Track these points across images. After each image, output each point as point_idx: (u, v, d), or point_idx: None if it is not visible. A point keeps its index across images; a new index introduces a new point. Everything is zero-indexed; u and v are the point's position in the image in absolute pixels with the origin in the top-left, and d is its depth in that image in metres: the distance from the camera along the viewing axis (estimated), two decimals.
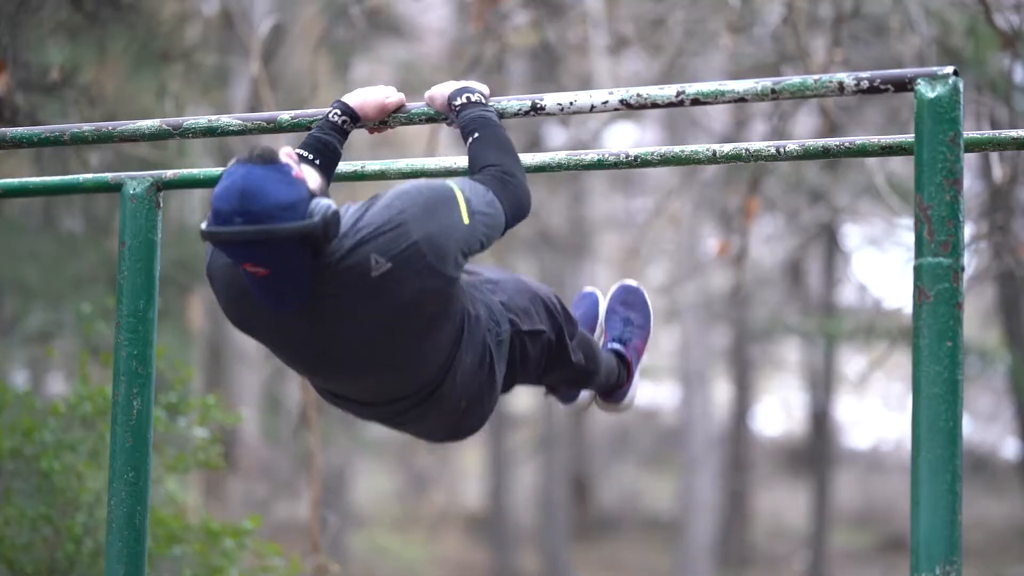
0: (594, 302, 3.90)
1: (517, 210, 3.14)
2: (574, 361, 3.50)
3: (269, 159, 2.88)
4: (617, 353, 3.78)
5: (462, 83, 3.27)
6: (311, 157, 3.17)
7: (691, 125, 14.04)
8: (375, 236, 2.92)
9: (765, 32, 9.65)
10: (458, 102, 3.21)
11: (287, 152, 2.94)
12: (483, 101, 3.22)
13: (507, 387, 3.40)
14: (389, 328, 2.98)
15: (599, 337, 3.86)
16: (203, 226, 2.88)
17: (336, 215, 2.89)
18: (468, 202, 3.01)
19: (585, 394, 3.83)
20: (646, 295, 3.89)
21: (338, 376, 3.13)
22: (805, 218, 13.31)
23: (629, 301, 3.87)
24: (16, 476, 6.03)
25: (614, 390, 3.78)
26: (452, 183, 3.04)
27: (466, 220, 2.99)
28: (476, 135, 3.17)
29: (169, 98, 8.26)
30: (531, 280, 3.44)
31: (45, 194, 3.83)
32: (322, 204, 2.88)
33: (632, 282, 3.90)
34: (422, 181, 3.04)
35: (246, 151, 2.93)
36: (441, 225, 2.95)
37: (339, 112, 3.24)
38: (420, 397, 3.17)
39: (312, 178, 2.94)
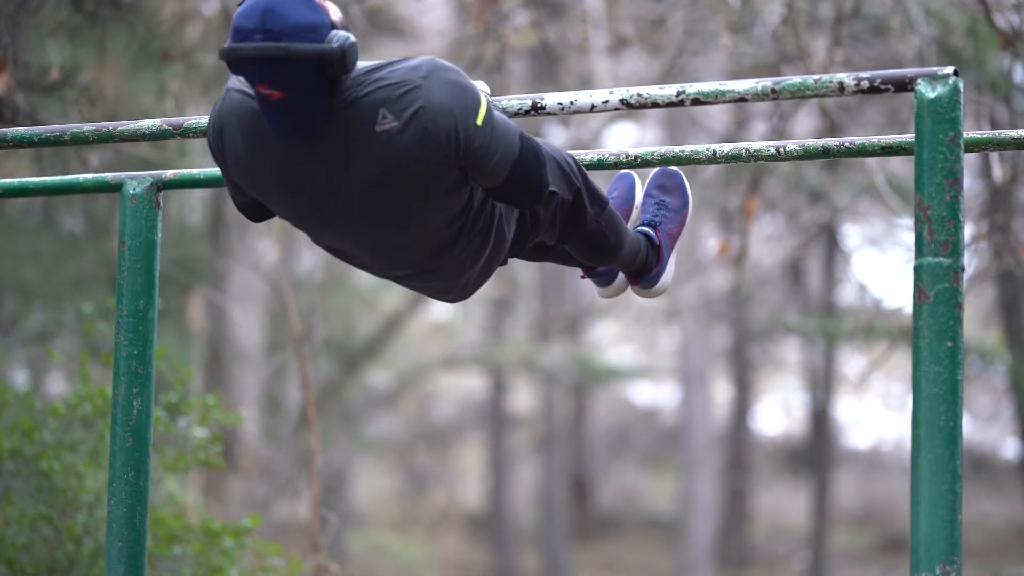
0: (630, 185, 3.85)
1: (535, 163, 3.08)
2: (591, 228, 3.43)
3: None
4: (647, 236, 3.73)
5: None
6: None
7: (691, 125, 14.04)
8: (390, 89, 2.92)
9: (765, 32, 9.65)
10: None
11: None
12: (489, 95, 3.23)
13: (518, 249, 3.38)
14: (387, 182, 2.96)
15: (635, 221, 3.80)
16: (224, 46, 2.90)
17: (355, 46, 2.89)
18: (489, 113, 2.99)
19: (620, 277, 3.77)
20: (684, 180, 3.82)
21: (342, 230, 3.10)
22: (805, 218, 13.31)
23: (666, 185, 3.81)
24: (16, 476, 6.03)
25: (643, 272, 3.73)
26: (480, 92, 3.01)
27: (479, 122, 2.96)
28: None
29: (169, 98, 8.26)
30: (545, 142, 3.36)
31: (45, 194, 3.83)
32: (341, 34, 2.89)
33: (672, 167, 3.83)
34: (453, 69, 3.00)
35: None
36: (456, 107, 2.93)
37: None
38: (427, 264, 3.17)
39: (334, 11, 2.95)
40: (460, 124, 2.93)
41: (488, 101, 3.02)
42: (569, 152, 3.43)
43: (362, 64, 3.00)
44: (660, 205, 3.80)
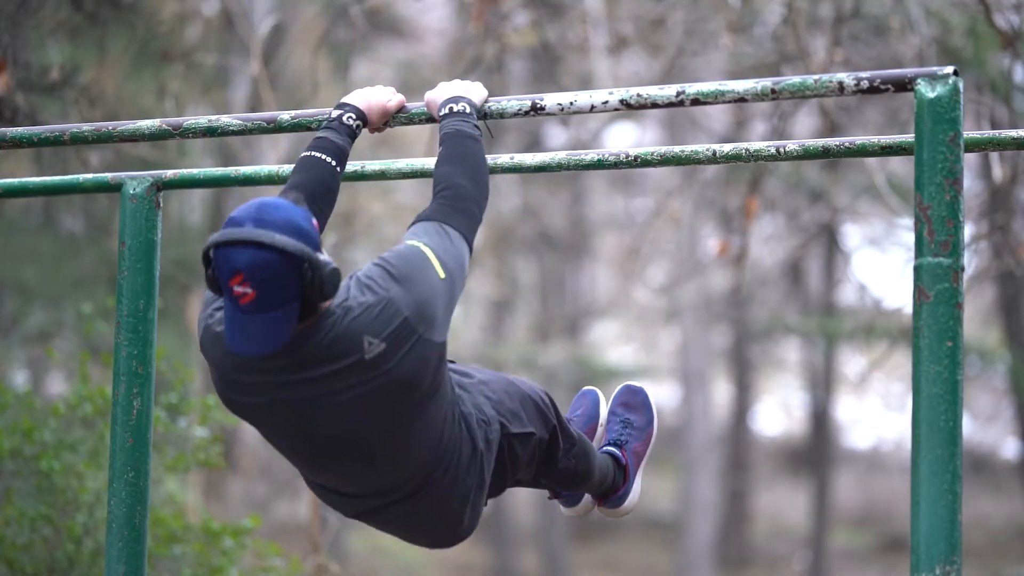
0: (594, 401, 3.85)
1: (474, 222, 3.13)
2: (563, 464, 3.46)
3: (292, 200, 2.91)
4: (613, 456, 3.73)
5: (456, 90, 3.28)
6: (333, 163, 3.20)
7: (691, 125, 14.03)
8: (364, 316, 2.90)
9: (765, 32, 9.65)
10: (442, 112, 3.24)
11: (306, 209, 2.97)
12: (465, 110, 3.22)
13: (498, 490, 3.36)
14: (381, 407, 2.96)
15: (600, 439, 3.81)
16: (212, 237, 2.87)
17: (337, 273, 2.87)
18: (438, 255, 3.01)
19: (587, 498, 3.78)
20: (649, 397, 3.83)
21: (328, 461, 3.08)
22: (805, 218, 13.32)
23: (630, 403, 3.82)
24: (16, 476, 6.04)
25: (611, 493, 3.74)
26: (417, 243, 3.02)
27: (442, 275, 2.98)
28: (440, 149, 3.20)
29: (169, 98, 8.26)
30: (522, 380, 3.41)
31: (45, 194, 3.83)
32: (326, 258, 2.87)
33: (635, 384, 3.85)
34: (392, 253, 3.01)
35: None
36: (424, 292, 2.94)
37: (354, 116, 3.26)
38: (409, 489, 3.13)
39: (323, 246, 2.96)
40: (438, 302, 2.94)
41: (429, 244, 3.01)
42: (542, 388, 3.45)
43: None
44: (625, 423, 3.80)
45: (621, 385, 3.86)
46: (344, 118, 3.24)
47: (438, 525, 3.23)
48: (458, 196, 3.13)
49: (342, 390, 2.92)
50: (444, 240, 3.05)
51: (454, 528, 3.24)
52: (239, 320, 2.82)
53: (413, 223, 3.10)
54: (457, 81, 3.33)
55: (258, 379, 2.94)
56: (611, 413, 3.82)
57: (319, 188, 3.18)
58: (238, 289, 2.80)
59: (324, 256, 2.86)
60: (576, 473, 3.52)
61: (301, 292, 2.82)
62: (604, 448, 3.75)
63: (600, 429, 3.81)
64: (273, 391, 2.94)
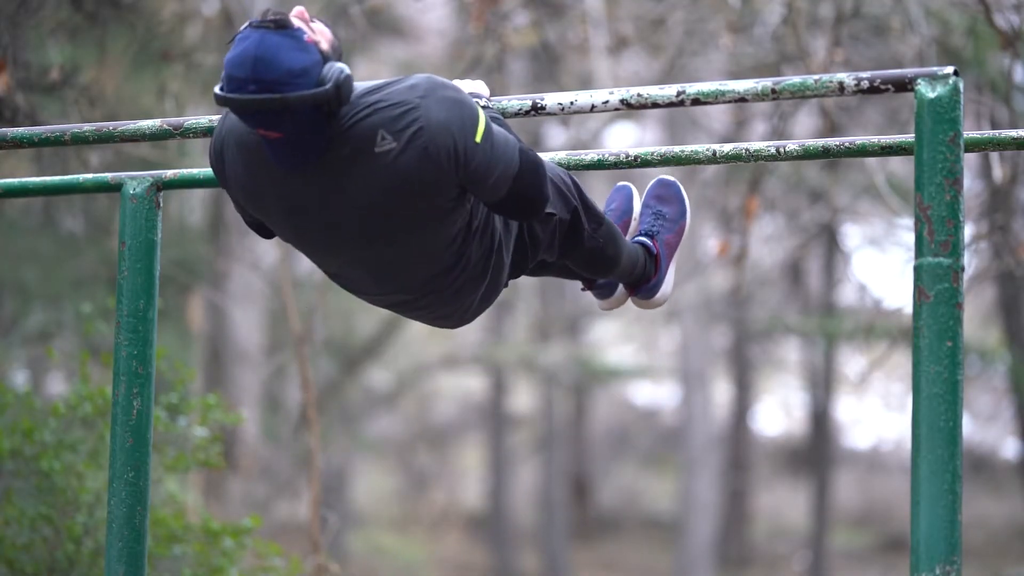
0: (628, 196, 3.85)
1: (534, 177, 3.08)
2: (589, 245, 3.44)
3: (282, 24, 2.89)
4: (644, 246, 3.73)
5: (467, 88, 3.28)
6: None
7: (691, 125, 14.04)
8: (388, 110, 2.92)
9: (765, 32, 9.64)
10: None
11: (299, 12, 2.95)
12: (489, 105, 3.22)
13: (519, 271, 3.38)
14: (388, 201, 2.97)
15: (633, 232, 3.80)
16: (216, 90, 2.90)
17: (349, 79, 2.89)
18: (487, 128, 2.99)
19: (620, 289, 3.77)
20: (682, 189, 3.82)
21: (342, 251, 3.10)
22: (805, 218, 13.32)
23: (663, 195, 3.81)
24: (16, 476, 6.03)
25: (642, 283, 3.73)
26: (479, 107, 3.01)
27: (478, 139, 2.96)
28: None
29: (169, 98, 8.26)
30: (542, 159, 3.34)
31: (45, 194, 3.83)
32: (335, 68, 2.88)
33: (668, 177, 3.84)
34: (451, 85, 3.00)
35: (259, 14, 2.94)
36: (454, 122, 2.93)
37: None
38: (428, 286, 3.16)
39: (324, 38, 2.94)
40: (459, 142, 2.93)
41: (487, 117, 3.02)
42: (565, 170, 3.43)
43: (360, 85, 3.00)
44: (657, 215, 3.80)
45: (654, 179, 3.85)
46: None
47: (456, 315, 3.29)
48: (530, 156, 3.12)
49: (350, 179, 2.95)
50: (503, 136, 3.04)
51: (472, 313, 3.30)
52: (272, 146, 2.93)
53: None
54: (460, 80, 3.33)
55: (284, 175, 2.99)
56: (644, 206, 3.82)
57: None
58: (265, 133, 2.90)
59: (333, 68, 2.88)
60: (604, 254, 3.50)
61: (324, 117, 2.90)
62: (636, 239, 3.75)
63: (634, 223, 3.82)
64: (294, 179, 2.99)
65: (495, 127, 3.04)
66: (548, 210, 3.29)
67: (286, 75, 2.85)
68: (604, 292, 3.80)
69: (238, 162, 3.04)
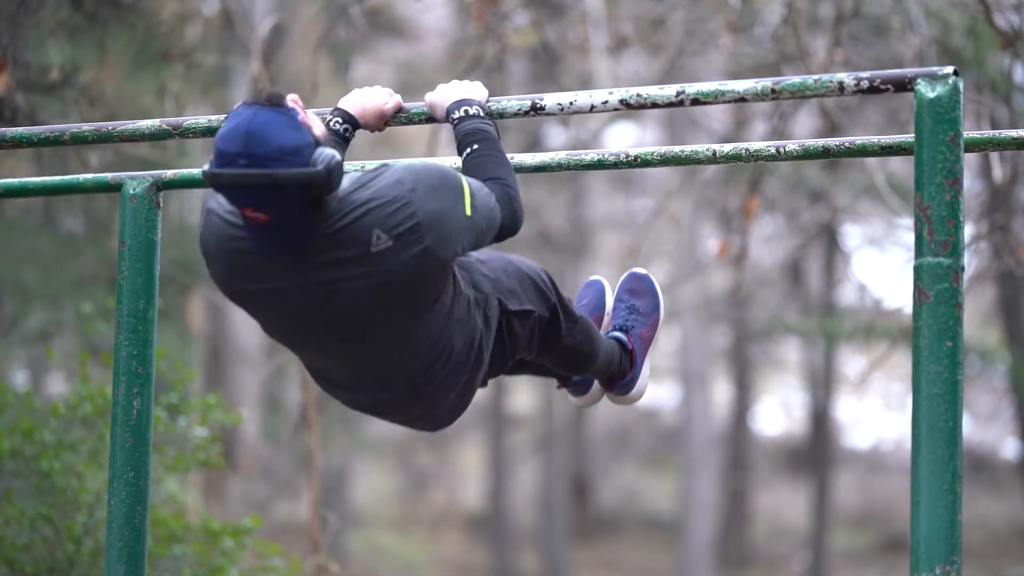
0: (600, 291, 3.85)
1: (512, 224, 3.15)
2: (567, 342, 3.45)
3: (276, 102, 2.88)
4: (619, 341, 3.73)
5: (461, 93, 3.26)
6: None
7: (691, 125, 14.04)
8: (380, 209, 2.91)
9: (765, 32, 9.65)
10: (456, 115, 3.22)
11: (293, 98, 2.94)
12: (480, 114, 3.22)
13: (497, 370, 3.37)
14: (379, 302, 2.97)
15: (607, 327, 3.80)
16: (206, 167, 2.87)
17: (340, 165, 2.88)
18: (473, 197, 3.01)
19: (596, 385, 3.78)
20: (654, 282, 3.82)
21: (326, 349, 3.10)
22: (805, 218, 13.32)
23: (636, 289, 3.81)
24: (16, 476, 6.03)
25: (618, 378, 3.73)
26: (462, 175, 3.03)
27: (468, 212, 2.99)
28: (475, 147, 3.18)
29: (169, 98, 8.26)
30: (520, 258, 3.40)
31: (45, 194, 3.83)
32: (326, 153, 2.87)
33: (640, 270, 3.85)
34: (433, 163, 3.02)
35: (253, 94, 2.93)
36: (446, 211, 2.94)
37: (340, 120, 3.25)
38: (410, 384, 3.15)
39: (317, 125, 2.94)
40: (455, 230, 2.95)
41: (469, 183, 3.03)
42: (541, 266, 3.45)
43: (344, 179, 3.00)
44: (631, 309, 3.79)
45: (626, 272, 3.86)
46: (331, 123, 3.24)
47: (434, 415, 3.26)
48: (512, 192, 3.15)
49: (345, 279, 2.94)
50: (485, 198, 3.07)
51: (450, 413, 3.28)
52: (257, 231, 2.91)
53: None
54: (456, 82, 3.32)
55: (267, 265, 2.97)
56: (617, 300, 3.82)
57: None
58: (251, 214, 2.88)
59: (323, 152, 2.87)
60: (581, 351, 3.51)
61: (311, 200, 2.88)
62: (610, 334, 3.75)
63: (606, 318, 3.82)
64: (280, 277, 2.97)
65: (477, 188, 3.05)
66: (527, 307, 3.32)
67: (277, 151, 2.83)
68: (579, 389, 3.81)
69: (220, 265, 3.03)
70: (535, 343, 3.40)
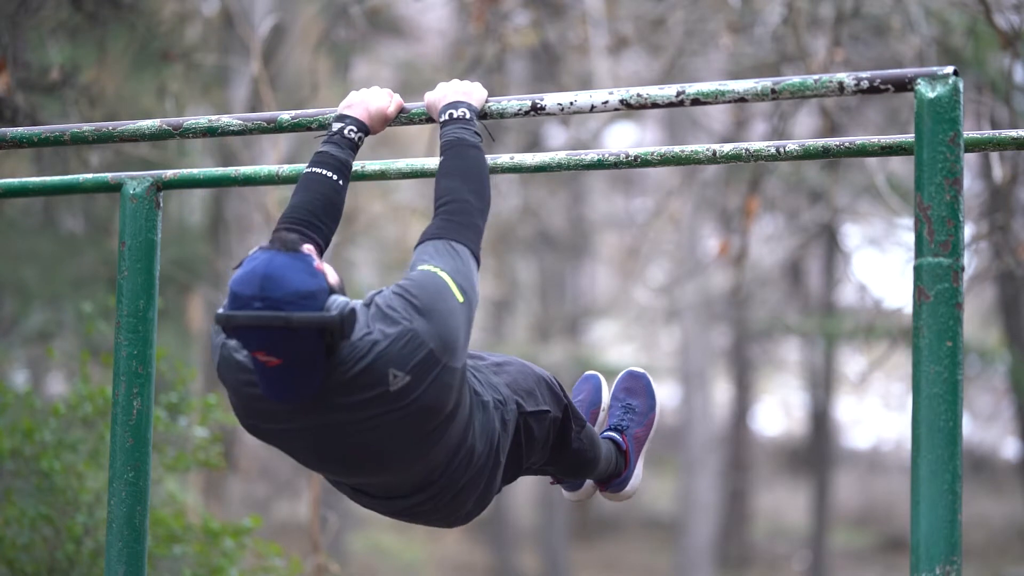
0: (597, 386, 3.87)
1: (479, 236, 3.15)
2: (574, 447, 3.48)
3: (292, 248, 2.88)
4: (614, 441, 3.75)
5: (456, 93, 3.27)
6: (336, 178, 3.19)
7: (691, 125, 14.04)
8: (389, 349, 2.91)
9: (765, 32, 9.64)
10: (442, 118, 3.23)
11: (309, 247, 2.94)
12: (466, 116, 3.21)
13: (513, 474, 3.38)
14: (403, 431, 2.99)
15: (601, 424, 3.83)
16: (220, 310, 2.87)
17: (353, 313, 2.89)
18: (454, 279, 3.02)
19: (588, 482, 3.80)
20: (651, 381, 3.85)
21: (352, 475, 3.13)
22: (805, 218, 13.32)
23: (632, 388, 3.84)
24: (16, 476, 6.04)
25: (613, 478, 3.75)
26: (433, 267, 3.03)
27: (460, 299, 2.99)
28: (441, 159, 3.19)
29: (169, 98, 8.26)
30: (532, 364, 3.43)
31: (45, 194, 3.83)
32: (340, 300, 2.88)
33: (638, 369, 3.87)
34: (412, 282, 3.00)
35: (269, 239, 2.93)
36: (446, 320, 2.95)
37: (355, 128, 3.25)
38: (431, 492, 3.17)
39: (331, 273, 2.95)
40: (458, 329, 2.96)
41: (445, 268, 3.02)
42: (550, 373, 3.47)
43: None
44: (627, 408, 3.81)
45: (624, 370, 3.87)
46: (346, 131, 3.23)
47: (452, 514, 3.27)
48: (463, 210, 3.13)
49: (366, 419, 2.95)
50: (456, 260, 3.06)
51: (468, 514, 3.29)
52: (268, 375, 2.89)
53: (421, 242, 3.11)
54: (456, 82, 3.31)
55: (283, 408, 2.96)
56: (613, 398, 3.84)
57: (323, 205, 3.18)
58: (263, 358, 2.86)
59: (337, 299, 2.87)
60: (586, 456, 3.54)
61: (324, 347, 2.87)
62: (605, 434, 3.77)
63: (602, 414, 3.83)
64: (299, 419, 2.97)
65: (449, 266, 3.04)
66: (544, 407, 3.34)
67: (293, 295, 2.83)
68: (573, 485, 3.82)
69: (236, 399, 3.04)
70: (549, 445, 3.42)
